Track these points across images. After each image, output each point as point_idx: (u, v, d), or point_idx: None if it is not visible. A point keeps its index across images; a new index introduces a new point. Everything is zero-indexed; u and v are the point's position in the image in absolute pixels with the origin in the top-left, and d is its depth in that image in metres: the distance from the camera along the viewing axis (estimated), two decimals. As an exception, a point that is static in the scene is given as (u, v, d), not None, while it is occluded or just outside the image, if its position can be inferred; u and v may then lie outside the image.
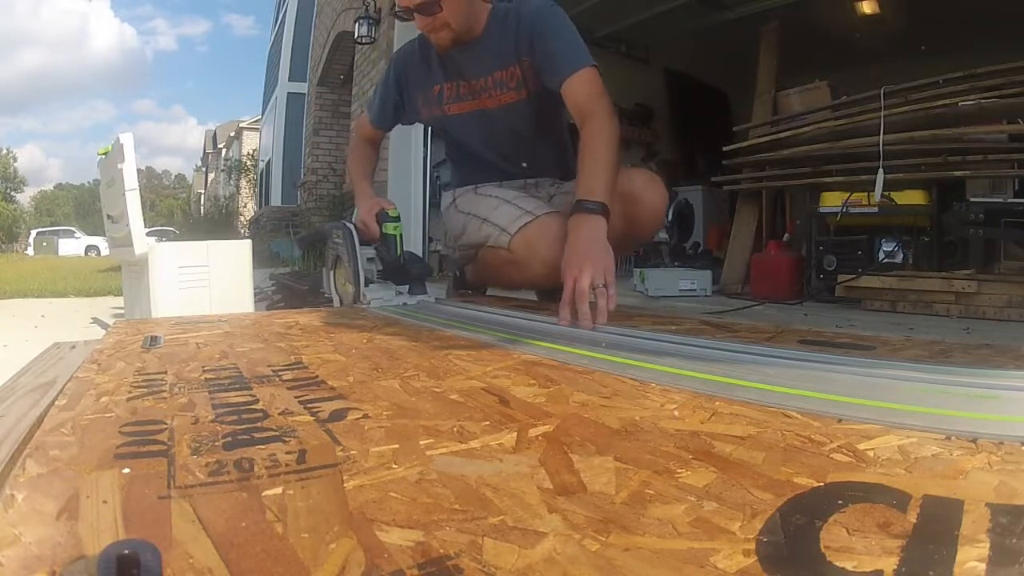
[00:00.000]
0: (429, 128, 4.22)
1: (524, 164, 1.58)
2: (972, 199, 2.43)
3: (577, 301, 1.02)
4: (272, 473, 0.40)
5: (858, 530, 0.31)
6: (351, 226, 1.47)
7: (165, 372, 0.72)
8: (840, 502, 0.34)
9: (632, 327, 1.03)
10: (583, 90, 1.27)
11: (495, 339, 0.94)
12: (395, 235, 1.45)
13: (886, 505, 0.33)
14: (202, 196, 28.50)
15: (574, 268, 1.05)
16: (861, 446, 0.43)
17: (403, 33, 4.25)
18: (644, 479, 0.38)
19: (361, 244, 1.45)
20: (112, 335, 1.09)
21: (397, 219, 1.46)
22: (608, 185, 1.17)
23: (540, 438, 0.46)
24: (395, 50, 1.73)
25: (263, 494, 0.36)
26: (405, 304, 1.40)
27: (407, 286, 1.46)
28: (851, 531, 0.31)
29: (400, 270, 1.45)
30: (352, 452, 0.43)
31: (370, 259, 1.46)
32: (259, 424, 0.50)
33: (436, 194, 4.26)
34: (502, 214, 1.42)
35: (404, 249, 1.46)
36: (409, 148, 4.20)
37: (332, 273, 1.60)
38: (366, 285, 1.42)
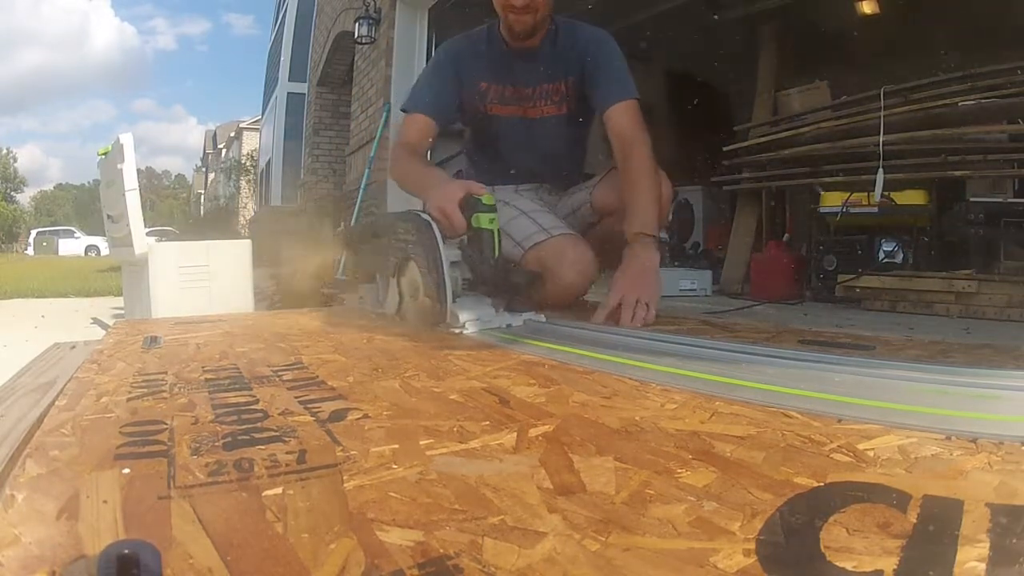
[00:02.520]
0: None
1: (542, 173, 1.62)
2: (972, 199, 2.43)
3: (622, 307, 1.11)
4: (272, 473, 0.40)
5: (858, 530, 0.31)
6: (428, 218, 1.10)
7: (165, 372, 0.72)
8: (840, 502, 0.34)
9: (632, 327, 1.03)
10: (624, 120, 1.38)
11: (497, 340, 0.94)
12: (491, 230, 1.08)
13: (886, 505, 0.33)
14: (202, 196, 28.50)
15: (627, 287, 1.14)
16: (861, 446, 0.43)
17: (403, 34, 4.25)
18: (644, 479, 0.38)
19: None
20: (112, 335, 1.09)
21: (493, 208, 1.10)
22: (659, 218, 1.28)
23: (540, 438, 0.46)
24: (444, 43, 1.57)
25: (263, 494, 0.36)
26: (509, 326, 1.06)
27: (502, 299, 1.10)
28: (851, 531, 0.31)
29: (498, 278, 1.09)
30: (352, 452, 0.43)
31: (453, 263, 1.09)
32: (259, 424, 0.50)
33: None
34: (518, 227, 1.44)
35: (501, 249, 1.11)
36: (409, 148, 4.20)
37: (396, 282, 1.20)
38: (454, 300, 1.06)
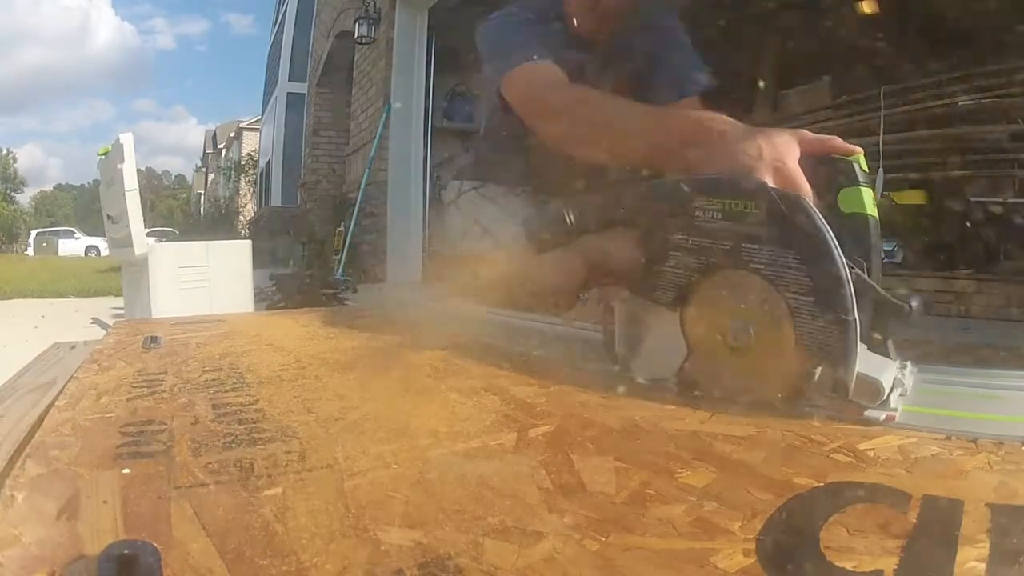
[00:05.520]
0: (429, 128, 4.21)
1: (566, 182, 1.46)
2: (972, 199, 2.43)
3: None
4: (272, 473, 0.40)
5: (858, 530, 0.31)
6: (794, 196, 0.54)
7: (165, 372, 0.72)
8: (840, 502, 0.34)
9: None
10: None
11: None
12: (875, 218, 0.58)
13: (886, 505, 0.33)
14: (202, 196, 28.47)
15: None
16: (861, 446, 0.43)
17: (403, 33, 4.25)
18: (644, 479, 0.38)
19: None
20: (112, 335, 1.09)
21: (870, 180, 0.61)
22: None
23: (540, 438, 0.46)
24: (506, 10, 1.14)
25: (263, 494, 0.36)
26: (903, 393, 0.53)
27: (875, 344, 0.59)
28: (851, 531, 0.31)
29: (887, 305, 0.57)
30: (352, 452, 0.43)
31: None
32: (259, 424, 0.50)
33: (436, 194, 4.26)
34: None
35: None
36: (409, 148, 4.20)
37: (678, 316, 0.59)
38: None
